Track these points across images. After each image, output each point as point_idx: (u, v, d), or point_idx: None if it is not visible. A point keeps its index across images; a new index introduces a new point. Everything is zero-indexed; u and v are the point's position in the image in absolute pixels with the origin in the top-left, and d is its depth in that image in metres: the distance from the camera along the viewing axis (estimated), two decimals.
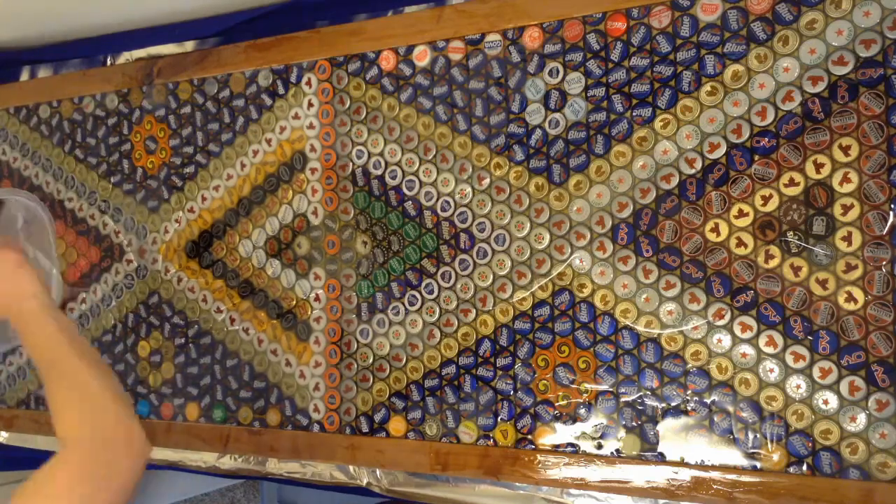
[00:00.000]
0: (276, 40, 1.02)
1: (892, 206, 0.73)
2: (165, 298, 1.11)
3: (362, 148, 0.97)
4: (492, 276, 0.90)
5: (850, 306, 0.74)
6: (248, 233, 1.05)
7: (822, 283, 0.75)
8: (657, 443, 0.82)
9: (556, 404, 0.86)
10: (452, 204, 0.92)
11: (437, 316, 0.93)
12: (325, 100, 0.99)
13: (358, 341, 0.97)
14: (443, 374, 0.92)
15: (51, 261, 1.04)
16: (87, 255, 1.18)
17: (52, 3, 1.08)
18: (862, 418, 0.74)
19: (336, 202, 0.98)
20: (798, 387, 0.76)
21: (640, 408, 0.83)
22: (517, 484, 0.89)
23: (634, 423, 0.83)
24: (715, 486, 0.79)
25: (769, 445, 0.77)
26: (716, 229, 0.79)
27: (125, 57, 1.15)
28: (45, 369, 0.77)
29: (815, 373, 0.76)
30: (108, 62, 1.17)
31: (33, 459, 1.25)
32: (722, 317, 0.79)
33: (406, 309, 0.94)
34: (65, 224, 1.20)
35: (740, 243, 0.78)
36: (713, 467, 0.79)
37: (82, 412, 0.72)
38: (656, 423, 0.82)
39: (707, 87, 0.80)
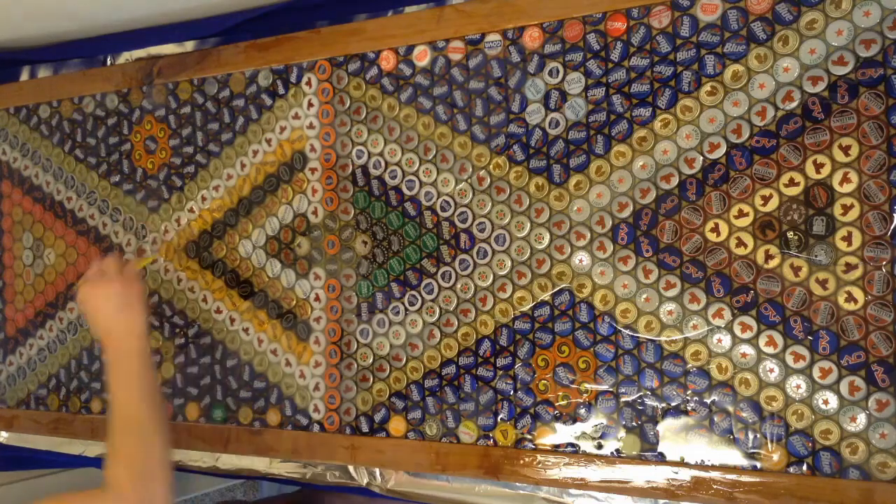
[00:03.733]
0: (276, 40, 1.02)
1: (893, 206, 0.73)
2: (165, 298, 1.11)
3: (362, 148, 0.97)
4: (492, 276, 0.90)
5: (850, 306, 0.74)
6: (248, 233, 1.05)
7: (822, 283, 0.75)
8: (657, 443, 0.82)
9: (556, 404, 0.86)
10: (452, 204, 0.92)
11: (437, 316, 0.93)
12: (325, 100, 0.99)
13: (358, 341, 0.97)
14: (443, 374, 0.92)
15: None
16: (86, 254, 1.18)
17: (51, 2, 1.08)
18: (862, 418, 0.74)
19: (336, 202, 0.98)
20: (798, 387, 0.76)
21: (640, 408, 0.83)
22: (517, 484, 0.89)
23: (634, 423, 0.83)
24: (715, 486, 0.79)
25: (769, 445, 0.77)
26: (716, 229, 0.79)
27: (125, 57, 1.15)
28: (118, 408, 0.83)
29: (815, 373, 0.76)
30: (108, 62, 1.17)
31: (33, 459, 1.26)
32: (722, 317, 0.79)
33: (406, 309, 0.94)
34: (65, 224, 1.20)
35: (740, 243, 0.78)
36: (713, 467, 0.79)
37: (133, 468, 0.78)
38: (656, 423, 0.82)
39: (707, 87, 0.80)
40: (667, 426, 0.81)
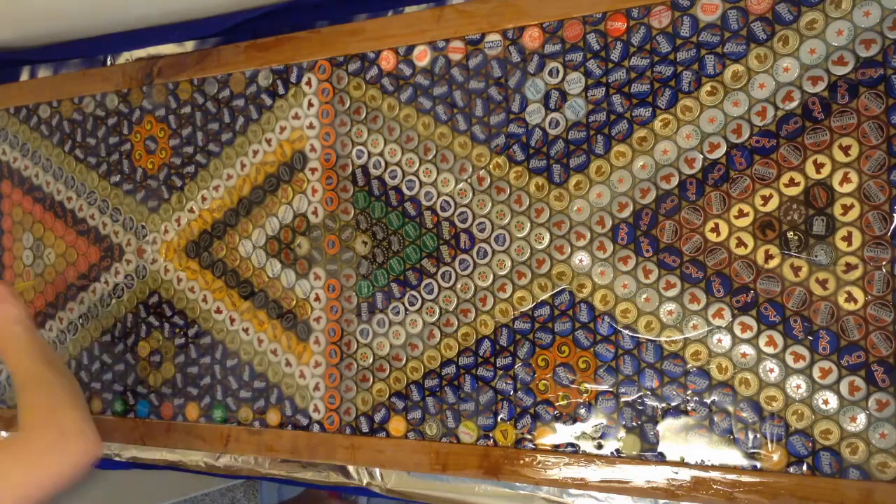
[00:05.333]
0: (276, 40, 1.02)
1: (893, 206, 0.73)
2: (165, 298, 1.11)
3: (362, 148, 0.97)
4: (492, 276, 0.90)
5: (850, 306, 0.74)
6: (248, 233, 1.05)
7: (822, 283, 0.75)
8: (657, 443, 0.82)
9: (556, 404, 0.86)
10: (452, 204, 0.92)
11: (437, 316, 0.93)
12: (325, 100, 0.99)
13: (358, 341, 0.97)
14: (443, 374, 0.92)
15: None
16: (86, 254, 1.18)
17: (52, 3, 1.08)
18: (862, 418, 0.74)
19: (336, 202, 0.98)
20: (798, 387, 0.76)
21: (640, 408, 0.83)
22: (517, 484, 0.89)
23: (634, 423, 0.83)
24: (715, 486, 0.79)
25: (769, 445, 0.77)
26: (716, 229, 0.79)
27: (125, 57, 1.15)
28: (21, 381, 0.89)
29: (815, 373, 0.76)
30: (108, 62, 1.17)
31: None
32: (722, 317, 0.79)
33: (406, 309, 0.94)
34: (65, 224, 1.20)
35: (740, 243, 0.78)
36: (713, 467, 0.79)
37: (42, 409, 0.83)
38: (656, 423, 0.82)
39: (707, 87, 0.80)
40: (667, 426, 0.81)
